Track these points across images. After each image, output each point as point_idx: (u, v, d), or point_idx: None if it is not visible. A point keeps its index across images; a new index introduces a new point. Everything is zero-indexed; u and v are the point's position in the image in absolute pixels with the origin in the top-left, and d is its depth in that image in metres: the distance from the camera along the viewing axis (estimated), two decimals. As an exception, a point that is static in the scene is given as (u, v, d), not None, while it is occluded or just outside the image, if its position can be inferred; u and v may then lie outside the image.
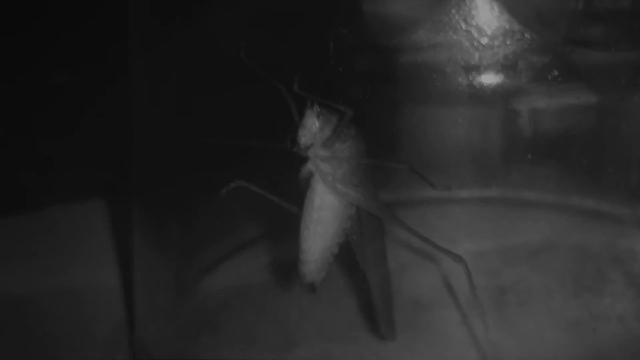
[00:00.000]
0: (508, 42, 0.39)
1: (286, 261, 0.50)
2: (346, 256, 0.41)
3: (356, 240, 0.41)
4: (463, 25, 0.40)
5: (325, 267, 0.39)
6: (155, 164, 0.47)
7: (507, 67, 0.40)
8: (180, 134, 0.45)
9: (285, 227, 0.40)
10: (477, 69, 0.40)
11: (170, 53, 0.45)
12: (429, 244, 0.40)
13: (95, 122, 0.68)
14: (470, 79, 0.40)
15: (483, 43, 0.39)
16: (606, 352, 0.42)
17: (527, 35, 0.39)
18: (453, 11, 0.40)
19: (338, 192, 0.38)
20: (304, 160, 0.38)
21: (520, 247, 0.47)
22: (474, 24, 0.40)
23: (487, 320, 0.39)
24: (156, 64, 0.46)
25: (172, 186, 0.47)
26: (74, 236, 0.63)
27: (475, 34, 0.39)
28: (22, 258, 0.60)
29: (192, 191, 0.46)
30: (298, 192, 0.39)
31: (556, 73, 0.40)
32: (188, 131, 0.45)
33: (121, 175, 0.49)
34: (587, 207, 0.48)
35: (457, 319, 0.45)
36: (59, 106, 0.70)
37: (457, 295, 0.46)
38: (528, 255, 0.47)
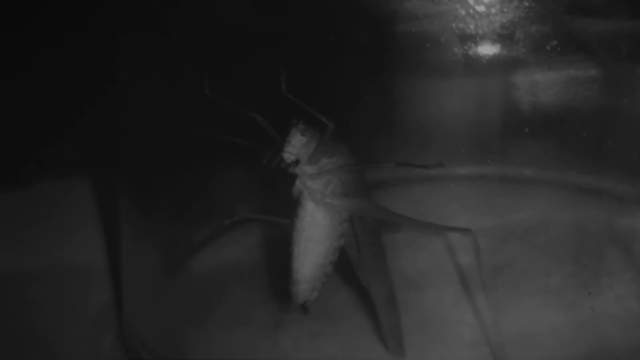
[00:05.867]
0: (505, 10, 0.38)
1: (276, 241, 0.50)
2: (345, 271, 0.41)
3: (355, 256, 0.40)
4: (458, -8, 0.39)
5: (318, 286, 0.39)
6: (144, 144, 0.47)
7: (504, 36, 0.39)
8: (169, 115, 0.44)
9: (277, 207, 0.39)
10: (473, 38, 0.39)
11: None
12: (432, 227, 0.40)
13: (85, 101, 0.67)
14: (466, 49, 0.39)
15: (479, 11, 0.38)
16: (605, 332, 0.41)
17: (525, 2, 0.38)
18: (448, -23, 0.39)
19: (329, 206, 0.38)
20: (294, 177, 0.38)
21: (517, 225, 0.46)
22: (469, -10, 0.39)
23: (489, 297, 0.38)
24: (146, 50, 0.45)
25: (161, 164, 0.46)
26: (62, 213, 0.63)
27: (471, 1, 0.38)
28: (10, 233, 0.60)
29: (181, 170, 0.45)
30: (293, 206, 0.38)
31: (555, 43, 0.39)
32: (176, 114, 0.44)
33: (110, 153, 0.48)
34: (586, 183, 0.47)
35: (452, 299, 0.44)
36: (50, 86, 0.70)
37: (452, 274, 0.45)
38: (524, 233, 0.46)
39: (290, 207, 0.38)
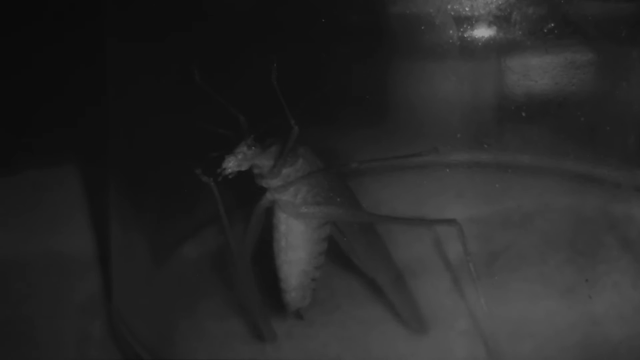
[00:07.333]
0: (502, -10, 0.38)
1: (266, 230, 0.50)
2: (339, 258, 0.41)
3: (347, 246, 0.40)
4: (454, -27, 0.38)
5: (308, 293, 0.39)
6: (131, 134, 0.46)
7: (500, 18, 0.38)
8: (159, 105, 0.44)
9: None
10: (469, 20, 0.38)
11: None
12: (416, 222, 0.40)
13: (84, 101, 0.67)
14: (462, 31, 0.38)
15: (475, -9, 0.38)
16: (601, 319, 0.41)
17: (521, -17, 0.38)
18: (443, -43, 0.38)
19: (304, 216, 0.38)
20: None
21: (513, 211, 0.46)
22: (465, -30, 0.38)
23: (484, 284, 0.38)
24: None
25: (149, 153, 0.45)
26: (51, 200, 0.62)
27: (467, -18, 0.38)
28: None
29: (169, 159, 0.45)
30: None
31: (552, 26, 0.39)
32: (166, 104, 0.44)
33: (99, 141, 0.48)
34: (583, 170, 0.47)
35: (446, 286, 0.43)
36: (49, 86, 0.70)
37: (447, 262, 0.44)
38: (521, 219, 0.46)
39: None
